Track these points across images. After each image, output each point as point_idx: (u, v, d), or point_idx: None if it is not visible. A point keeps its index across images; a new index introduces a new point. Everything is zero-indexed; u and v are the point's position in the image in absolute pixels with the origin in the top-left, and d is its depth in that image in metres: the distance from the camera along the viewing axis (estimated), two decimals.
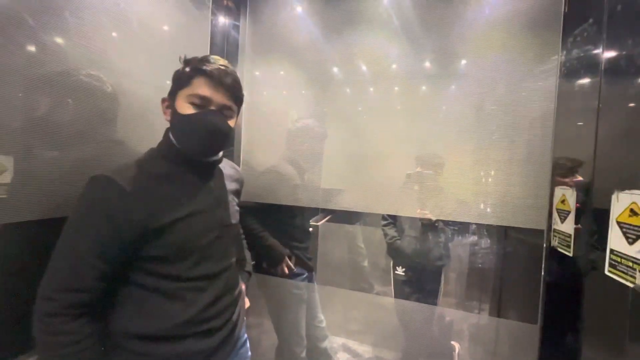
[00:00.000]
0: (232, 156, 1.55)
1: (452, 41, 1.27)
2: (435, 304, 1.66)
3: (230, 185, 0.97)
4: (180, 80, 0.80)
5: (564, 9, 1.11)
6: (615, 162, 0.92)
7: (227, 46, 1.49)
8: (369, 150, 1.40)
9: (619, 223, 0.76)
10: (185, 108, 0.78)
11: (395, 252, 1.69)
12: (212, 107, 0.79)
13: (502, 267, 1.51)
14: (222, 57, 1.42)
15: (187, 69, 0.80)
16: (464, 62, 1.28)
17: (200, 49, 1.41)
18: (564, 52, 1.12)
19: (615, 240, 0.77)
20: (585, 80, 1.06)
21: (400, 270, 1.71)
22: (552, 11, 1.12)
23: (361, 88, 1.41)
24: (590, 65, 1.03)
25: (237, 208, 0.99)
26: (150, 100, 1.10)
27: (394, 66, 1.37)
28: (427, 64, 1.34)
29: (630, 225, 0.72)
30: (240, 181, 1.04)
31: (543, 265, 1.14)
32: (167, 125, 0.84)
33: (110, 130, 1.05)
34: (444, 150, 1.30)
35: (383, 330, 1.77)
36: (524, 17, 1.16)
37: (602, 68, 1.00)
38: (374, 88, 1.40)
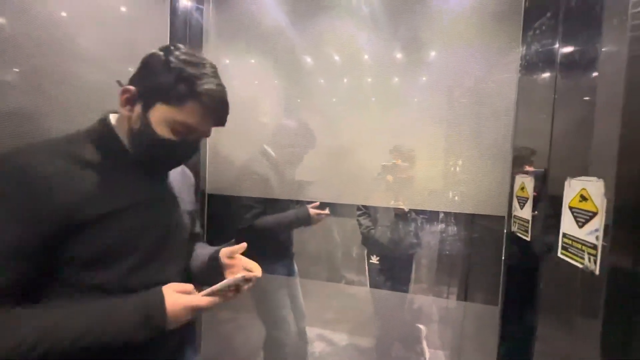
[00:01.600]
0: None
1: (421, 31, 1.29)
2: (407, 290, 1.72)
3: (179, 183, 0.86)
4: (167, 95, 0.66)
5: (525, 2, 1.15)
6: (568, 152, 0.98)
7: (189, 31, 1.40)
8: (343, 142, 1.40)
9: (570, 208, 0.81)
10: (164, 130, 0.67)
11: (369, 242, 1.73)
12: (194, 135, 0.71)
13: (467, 253, 1.59)
14: (185, 42, 1.35)
15: (182, 86, 0.65)
16: (432, 53, 1.30)
17: (160, 32, 1.32)
18: (524, 46, 1.16)
19: (567, 224, 0.82)
20: (543, 74, 1.12)
21: (374, 259, 1.75)
22: (514, 4, 1.16)
23: (335, 78, 1.40)
24: (547, 59, 1.08)
25: (189, 209, 0.87)
26: (104, 85, 1.02)
27: (365, 56, 1.37)
28: (398, 55, 1.34)
29: (580, 209, 0.77)
30: (189, 179, 0.93)
31: (504, 250, 1.20)
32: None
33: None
34: (416, 141, 1.33)
35: (358, 318, 1.81)
36: (488, 9, 1.19)
37: (558, 62, 1.06)
38: (348, 79, 1.40)
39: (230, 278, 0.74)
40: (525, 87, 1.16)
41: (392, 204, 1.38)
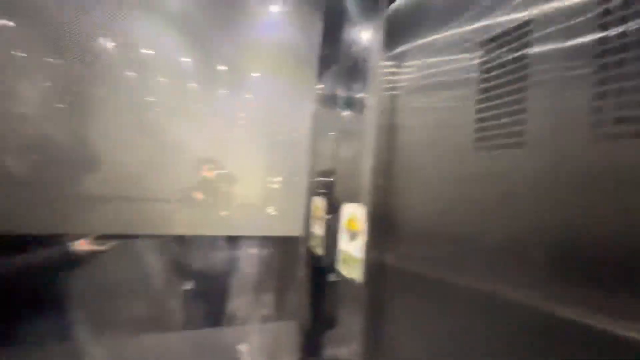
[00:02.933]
0: None
1: (239, 49, 1.28)
2: (220, 321, 1.60)
3: None
4: None
5: (321, 51, 1.36)
6: (346, 180, 1.19)
7: None
8: (148, 151, 1.15)
9: (345, 228, 0.97)
10: None
11: (182, 271, 1.51)
12: None
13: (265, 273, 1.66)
14: None
15: None
16: (251, 74, 1.33)
17: None
18: (322, 86, 1.37)
19: (343, 240, 0.97)
20: (332, 111, 1.34)
21: (187, 287, 1.54)
22: (312, 50, 1.35)
23: (145, 75, 1.16)
24: (334, 100, 1.31)
25: None
26: None
27: (184, 59, 1.22)
28: (219, 66, 1.28)
29: (351, 229, 0.93)
30: None
31: (299, 267, 1.32)
32: None
33: None
34: (228, 156, 1.28)
35: None
36: (294, 49, 1.34)
37: (340, 103, 1.30)
38: (164, 79, 1.19)
39: None
40: (319, 121, 1.35)
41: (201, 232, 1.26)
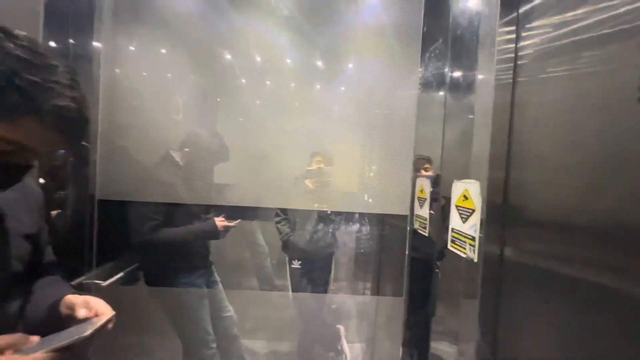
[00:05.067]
0: (84, 149, 1.24)
1: (338, 43, 1.35)
2: (327, 291, 1.77)
3: (14, 202, 0.68)
4: None
5: (423, 28, 1.32)
6: (455, 158, 1.15)
7: (72, 7, 1.16)
8: (262, 145, 1.37)
9: (457, 206, 0.95)
10: None
11: (289, 248, 1.73)
12: (28, 155, 0.55)
13: (379, 250, 1.73)
14: (64, 24, 1.12)
15: (16, 97, 0.49)
16: (349, 65, 1.39)
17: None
18: (423, 67, 1.33)
19: (455, 220, 0.96)
20: (437, 92, 1.30)
21: (296, 264, 1.76)
22: (414, 28, 1.31)
23: (256, 79, 1.37)
24: (439, 79, 1.26)
25: (29, 232, 0.70)
26: None
27: (288, 60, 1.38)
28: (318, 61, 1.39)
29: (463, 207, 0.91)
30: (32, 196, 0.74)
31: (407, 246, 1.34)
32: None
33: None
34: (333, 147, 1.39)
35: (279, 324, 1.79)
36: (395, 30, 1.33)
37: (447, 82, 1.24)
38: (270, 81, 1.39)
39: (74, 330, 0.58)
40: (423, 103, 1.33)
41: (316, 206, 1.43)
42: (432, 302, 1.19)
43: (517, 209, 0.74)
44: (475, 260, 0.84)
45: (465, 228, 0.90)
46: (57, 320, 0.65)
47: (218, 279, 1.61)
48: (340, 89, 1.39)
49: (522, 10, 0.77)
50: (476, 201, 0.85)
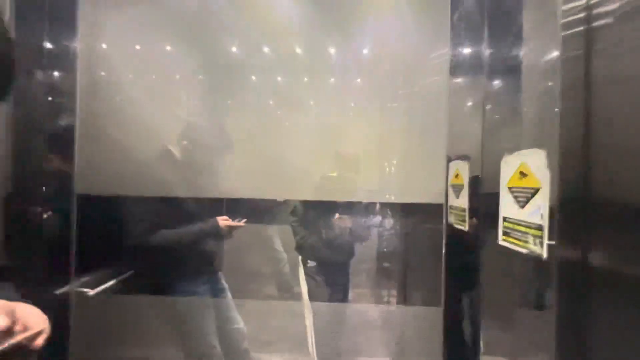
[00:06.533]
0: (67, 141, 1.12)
1: (353, 34, 1.25)
2: (346, 297, 1.59)
3: None
4: None
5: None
6: (500, 134, 0.93)
7: None
8: (276, 143, 1.30)
9: (509, 188, 0.73)
10: None
11: (305, 250, 1.58)
12: None
13: (405, 250, 1.52)
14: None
15: None
16: (365, 51, 1.27)
17: None
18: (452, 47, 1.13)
19: (507, 206, 0.74)
20: (476, 74, 1.08)
21: (310, 263, 1.61)
22: (441, 11, 1.13)
23: (268, 75, 1.29)
24: (474, 59, 1.06)
25: None
26: None
27: (298, 50, 1.29)
28: (332, 51, 1.29)
29: (521, 188, 0.69)
30: None
31: (444, 245, 1.12)
32: None
33: None
34: (355, 142, 1.29)
35: (298, 336, 1.62)
36: (417, 15, 1.19)
37: (486, 63, 1.03)
38: (281, 77, 1.31)
39: None
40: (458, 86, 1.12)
41: (337, 217, 1.43)
42: (477, 311, 0.96)
43: (607, 184, 0.52)
44: (545, 256, 0.62)
45: (525, 214, 0.68)
46: None
47: (226, 286, 1.47)
48: (356, 81, 1.28)
49: None
50: (541, 176, 0.63)
